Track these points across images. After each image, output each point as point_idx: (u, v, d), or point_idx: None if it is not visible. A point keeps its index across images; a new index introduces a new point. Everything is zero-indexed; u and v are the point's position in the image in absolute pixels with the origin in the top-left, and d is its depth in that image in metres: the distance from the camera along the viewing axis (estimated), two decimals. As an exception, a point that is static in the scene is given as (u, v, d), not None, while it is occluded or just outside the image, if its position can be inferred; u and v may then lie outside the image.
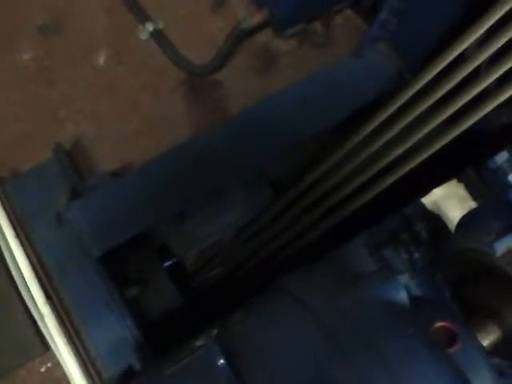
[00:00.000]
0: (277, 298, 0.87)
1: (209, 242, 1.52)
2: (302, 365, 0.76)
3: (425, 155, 1.23)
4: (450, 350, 0.86)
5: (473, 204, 1.25)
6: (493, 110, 1.14)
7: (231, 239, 1.55)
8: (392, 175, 1.29)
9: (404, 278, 1.12)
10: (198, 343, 0.81)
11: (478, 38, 1.07)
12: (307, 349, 0.77)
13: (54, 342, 1.31)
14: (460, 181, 1.25)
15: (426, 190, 1.30)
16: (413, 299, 0.98)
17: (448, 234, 1.19)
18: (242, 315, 0.89)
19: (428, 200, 1.28)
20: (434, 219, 1.25)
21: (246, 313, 0.90)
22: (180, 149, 1.44)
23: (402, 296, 0.82)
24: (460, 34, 1.08)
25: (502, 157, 1.00)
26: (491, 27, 1.04)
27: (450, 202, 1.26)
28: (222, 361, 0.72)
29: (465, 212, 1.20)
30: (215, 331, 0.84)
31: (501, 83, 1.07)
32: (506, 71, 1.05)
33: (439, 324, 0.88)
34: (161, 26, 1.72)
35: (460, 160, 1.30)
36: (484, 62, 1.07)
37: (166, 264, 1.49)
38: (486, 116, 1.15)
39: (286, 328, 0.81)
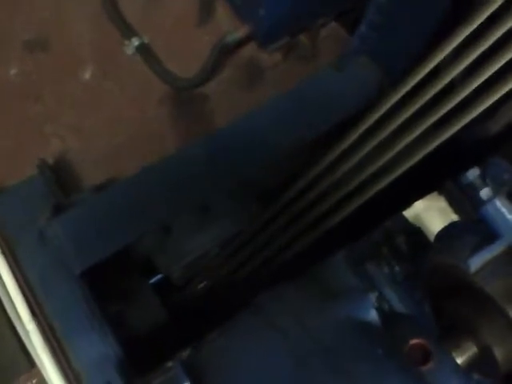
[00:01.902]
0: (248, 318, 0.87)
1: (194, 256, 1.51)
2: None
3: (405, 167, 1.23)
4: (424, 368, 0.86)
5: (454, 216, 1.25)
6: (472, 123, 1.14)
7: (217, 252, 1.55)
8: (374, 186, 1.28)
9: (384, 292, 1.12)
10: (169, 365, 0.81)
11: (452, 51, 1.08)
12: (276, 371, 0.77)
13: (39, 358, 1.31)
14: (441, 193, 1.25)
15: (408, 203, 1.30)
16: (390, 315, 0.98)
17: (428, 247, 1.19)
18: (215, 335, 0.89)
19: (409, 213, 1.28)
20: (415, 232, 1.25)
21: (219, 332, 0.90)
22: (164, 162, 1.45)
23: (372, 315, 0.82)
24: (435, 48, 1.09)
25: (473, 173, 1.00)
26: (465, 40, 1.05)
27: (431, 214, 1.26)
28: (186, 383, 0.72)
29: (446, 224, 1.20)
30: (187, 352, 0.84)
31: (476, 96, 1.07)
32: (481, 84, 1.05)
33: (414, 341, 0.87)
34: (146, 40, 1.73)
35: (441, 173, 1.30)
36: (459, 74, 1.07)
37: (151, 278, 1.50)
38: (465, 129, 1.15)
39: (255, 349, 0.81)
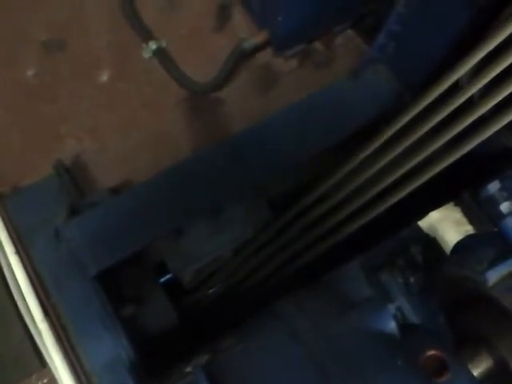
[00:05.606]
0: (268, 325, 0.88)
1: (206, 260, 1.52)
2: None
3: (423, 179, 1.23)
4: (441, 380, 0.86)
5: (469, 228, 1.25)
6: (492, 134, 1.14)
7: (229, 257, 1.55)
8: (391, 198, 1.28)
9: (399, 303, 1.12)
10: (187, 370, 0.82)
11: (472, 68, 1.08)
12: (296, 379, 0.77)
13: (50, 358, 1.32)
14: (456, 204, 1.26)
15: (423, 214, 1.30)
16: (405, 326, 0.98)
17: (443, 259, 1.19)
18: (233, 341, 0.89)
19: (424, 223, 1.28)
20: (430, 242, 1.25)
21: (237, 338, 0.90)
22: (179, 166, 1.45)
23: (391, 326, 0.83)
24: (455, 63, 1.09)
25: (494, 186, 1.00)
26: (486, 56, 1.05)
27: (447, 225, 1.26)
28: (208, 389, 0.73)
29: (461, 235, 1.20)
30: (205, 357, 0.85)
31: (496, 111, 1.07)
32: (500, 101, 1.05)
33: (430, 353, 0.88)
34: (164, 44, 1.74)
35: (458, 184, 1.30)
36: (478, 90, 1.07)
37: (163, 281, 1.50)
38: (484, 140, 1.15)
39: (275, 356, 0.81)
